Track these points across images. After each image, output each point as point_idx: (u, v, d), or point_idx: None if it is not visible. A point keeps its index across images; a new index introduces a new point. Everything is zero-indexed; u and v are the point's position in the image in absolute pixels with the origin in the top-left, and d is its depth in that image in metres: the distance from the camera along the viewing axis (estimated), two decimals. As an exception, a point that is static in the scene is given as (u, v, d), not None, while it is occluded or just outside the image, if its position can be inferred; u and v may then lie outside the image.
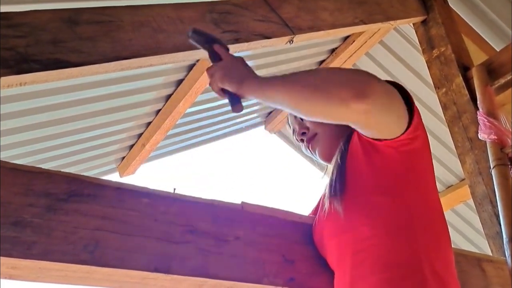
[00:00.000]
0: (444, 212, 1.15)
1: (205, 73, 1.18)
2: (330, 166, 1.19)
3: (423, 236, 1.03)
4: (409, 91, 1.09)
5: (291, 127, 1.32)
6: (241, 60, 1.15)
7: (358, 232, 1.06)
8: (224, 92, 1.13)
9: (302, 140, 1.27)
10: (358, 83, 0.97)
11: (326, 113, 1.01)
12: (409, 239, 1.02)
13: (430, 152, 1.17)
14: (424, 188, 1.10)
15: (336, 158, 1.15)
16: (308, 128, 1.27)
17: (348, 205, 1.09)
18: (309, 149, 1.26)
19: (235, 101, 1.12)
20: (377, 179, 1.07)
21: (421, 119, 1.11)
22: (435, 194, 1.14)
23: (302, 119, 1.28)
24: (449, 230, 1.15)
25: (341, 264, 1.08)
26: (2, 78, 1.00)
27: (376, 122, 1.01)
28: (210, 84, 1.16)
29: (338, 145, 1.18)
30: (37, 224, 0.84)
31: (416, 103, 1.09)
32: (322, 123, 1.23)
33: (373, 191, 1.07)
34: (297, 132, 1.28)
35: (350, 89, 0.95)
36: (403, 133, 1.03)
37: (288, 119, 1.35)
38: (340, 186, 1.10)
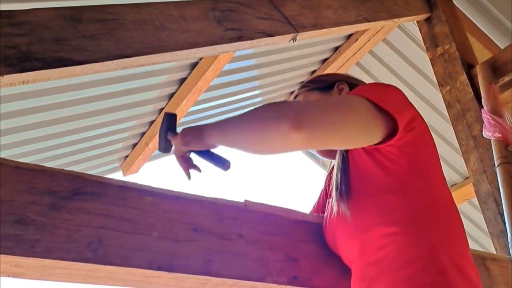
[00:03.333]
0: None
1: (208, 72, 1.20)
2: (335, 168, 1.19)
3: (437, 226, 1.03)
4: (388, 86, 1.12)
5: None
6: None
7: (374, 232, 1.05)
8: (200, 155, 1.18)
9: None
10: (291, 111, 0.96)
11: (277, 150, 1.03)
12: (424, 232, 1.02)
13: (433, 141, 1.17)
14: (431, 178, 1.10)
15: (337, 161, 1.16)
16: None
17: (358, 206, 1.09)
18: None
19: (217, 160, 1.18)
20: (385, 178, 1.07)
21: (413, 111, 1.10)
22: (442, 183, 1.14)
23: None
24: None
25: (358, 263, 1.07)
26: (5, 76, 0.99)
27: (334, 141, 1.02)
28: (176, 156, 1.24)
29: None
30: (40, 222, 0.84)
31: (420, 101, 1.10)
32: None
33: (383, 190, 1.06)
34: None
35: (286, 120, 0.94)
36: (395, 132, 1.04)
37: None
38: (346, 188, 1.11)
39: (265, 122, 0.98)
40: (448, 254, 1.00)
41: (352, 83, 1.34)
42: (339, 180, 1.12)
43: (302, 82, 1.41)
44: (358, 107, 1.01)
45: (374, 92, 1.08)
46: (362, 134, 1.02)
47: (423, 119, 1.16)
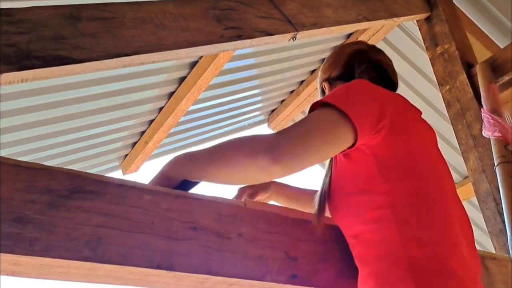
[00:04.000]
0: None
1: (208, 71, 1.20)
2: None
3: (411, 222, 1.05)
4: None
5: None
6: None
7: (350, 230, 1.13)
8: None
9: None
10: (265, 145, 1.00)
11: (257, 182, 1.12)
12: (395, 229, 1.04)
13: (418, 131, 1.18)
14: (411, 173, 1.11)
15: (326, 165, 1.23)
16: None
17: (337, 206, 1.16)
18: None
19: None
20: (358, 178, 1.12)
21: (378, 108, 1.11)
22: (430, 174, 1.13)
23: None
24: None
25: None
26: (4, 74, 0.99)
27: (312, 161, 1.05)
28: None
29: None
30: (39, 221, 0.84)
31: (420, 101, 1.11)
32: None
33: (356, 191, 1.11)
34: None
35: (263, 155, 0.98)
36: (367, 133, 1.08)
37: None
38: (327, 188, 1.18)
39: (243, 159, 1.01)
40: (422, 250, 1.01)
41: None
42: (324, 180, 1.20)
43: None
44: (324, 123, 1.06)
45: (337, 97, 1.11)
46: (334, 147, 1.07)
47: (400, 110, 1.16)
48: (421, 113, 1.30)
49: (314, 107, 1.12)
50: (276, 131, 1.03)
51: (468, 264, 1.06)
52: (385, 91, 1.20)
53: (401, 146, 1.11)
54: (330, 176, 1.19)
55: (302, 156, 1.01)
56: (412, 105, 1.28)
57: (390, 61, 1.43)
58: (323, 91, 1.40)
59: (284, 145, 0.99)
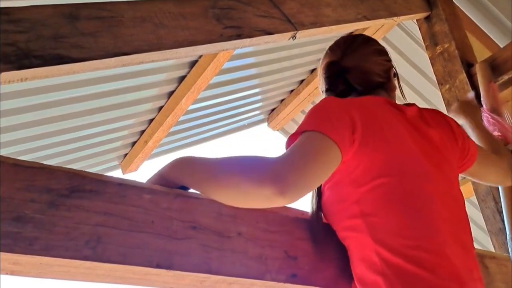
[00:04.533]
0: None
1: (208, 70, 1.20)
2: None
3: (391, 226, 1.07)
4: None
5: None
6: None
7: (339, 235, 1.18)
8: None
9: None
10: (270, 174, 0.97)
11: (258, 207, 1.08)
12: (374, 234, 1.07)
13: (397, 135, 1.17)
14: (381, 183, 1.11)
15: None
16: None
17: (325, 212, 1.20)
18: None
19: None
20: (335, 188, 1.16)
21: (348, 120, 1.11)
22: (404, 181, 1.12)
23: None
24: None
25: None
26: (3, 73, 0.99)
27: (314, 186, 1.07)
28: None
29: None
30: (39, 220, 0.84)
31: (419, 100, 1.11)
32: None
33: (334, 199, 1.16)
34: None
35: (268, 186, 0.96)
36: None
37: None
38: (318, 199, 1.20)
39: (247, 186, 0.99)
40: (395, 255, 1.03)
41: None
42: (313, 193, 1.21)
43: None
44: (318, 150, 1.05)
45: (314, 122, 1.10)
46: (331, 170, 1.07)
47: (372, 116, 1.16)
48: (414, 111, 1.29)
49: (296, 135, 1.10)
50: (277, 156, 1.02)
51: (455, 265, 1.05)
52: (351, 103, 1.18)
53: (371, 154, 1.11)
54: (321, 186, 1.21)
55: (306, 187, 1.01)
56: (395, 105, 1.26)
57: (370, 52, 1.39)
58: None
59: (291, 177, 0.97)
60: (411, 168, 1.14)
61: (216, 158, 1.06)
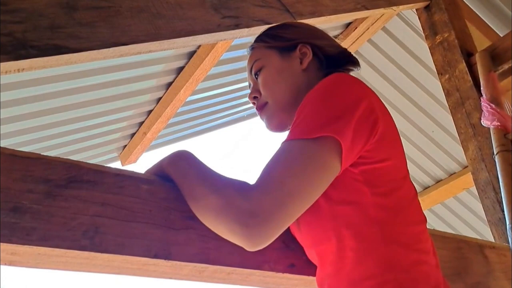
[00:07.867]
0: (447, 200, 1.12)
1: (206, 61, 1.18)
2: None
3: (386, 239, 0.95)
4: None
5: (248, 81, 1.24)
6: None
7: (326, 246, 1.00)
8: None
9: (254, 103, 1.21)
10: (255, 219, 0.84)
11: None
12: (373, 248, 0.95)
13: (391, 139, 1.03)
14: (390, 185, 0.99)
15: None
16: (260, 93, 1.18)
17: (311, 220, 1.01)
18: (259, 115, 1.20)
19: None
20: (336, 194, 0.98)
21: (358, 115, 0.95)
22: (402, 183, 1.02)
23: (256, 77, 1.19)
24: (452, 218, 1.12)
25: (319, 270, 1.04)
26: (0, 64, 0.99)
27: (303, 208, 0.90)
28: None
29: (289, 119, 1.11)
30: (36, 210, 0.84)
31: (419, 90, 1.07)
32: (273, 93, 1.15)
33: (334, 205, 0.98)
34: (250, 92, 1.21)
35: (239, 227, 0.84)
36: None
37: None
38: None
39: (220, 227, 0.89)
40: (379, 268, 0.93)
41: (317, 45, 1.21)
42: None
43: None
44: (316, 166, 0.89)
45: (314, 121, 0.93)
46: (329, 179, 0.92)
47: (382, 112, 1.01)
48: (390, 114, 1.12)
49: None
50: (257, 187, 0.87)
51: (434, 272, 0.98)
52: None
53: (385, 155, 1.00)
54: None
55: (285, 227, 0.88)
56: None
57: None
58: None
59: (268, 227, 0.84)
60: (404, 172, 1.06)
61: (211, 173, 0.94)
